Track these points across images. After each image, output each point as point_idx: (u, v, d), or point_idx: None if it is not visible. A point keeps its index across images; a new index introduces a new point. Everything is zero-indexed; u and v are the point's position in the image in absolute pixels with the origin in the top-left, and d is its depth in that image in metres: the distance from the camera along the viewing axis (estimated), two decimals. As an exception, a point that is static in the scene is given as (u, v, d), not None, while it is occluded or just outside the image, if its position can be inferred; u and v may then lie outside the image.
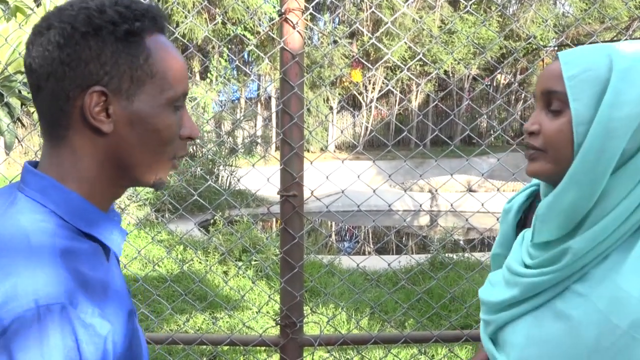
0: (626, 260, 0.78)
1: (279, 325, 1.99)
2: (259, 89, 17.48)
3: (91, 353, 0.66)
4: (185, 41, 2.84)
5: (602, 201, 0.80)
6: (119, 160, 0.78)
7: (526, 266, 0.89)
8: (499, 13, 13.54)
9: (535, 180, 1.11)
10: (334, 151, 16.07)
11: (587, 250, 0.80)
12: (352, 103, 17.86)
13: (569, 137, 0.82)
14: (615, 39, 11.22)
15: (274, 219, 9.07)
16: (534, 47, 13.40)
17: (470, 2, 2.21)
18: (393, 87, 15.71)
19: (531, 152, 0.88)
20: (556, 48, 11.63)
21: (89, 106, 0.73)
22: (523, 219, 1.15)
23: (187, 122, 0.82)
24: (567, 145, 0.82)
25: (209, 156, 9.50)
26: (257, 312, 3.96)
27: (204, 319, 4.04)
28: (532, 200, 1.14)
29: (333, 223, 9.95)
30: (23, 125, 3.67)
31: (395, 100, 16.80)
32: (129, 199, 6.95)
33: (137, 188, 6.98)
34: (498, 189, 2.52)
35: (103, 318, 0.69)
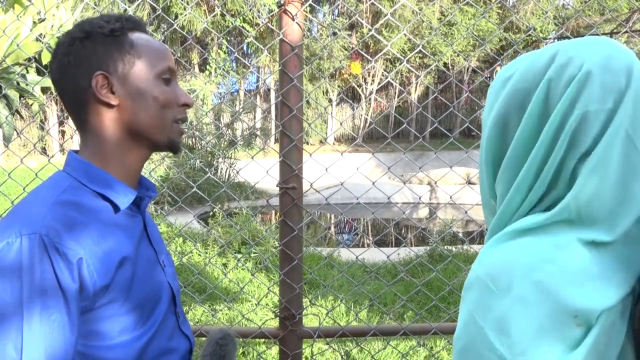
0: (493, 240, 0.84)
1: (278, 318, 1.99)
2: (258, 81, 17.43)
3: (65, 275, 0.84)
4: (184, 33, 2.83)
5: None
6: (130, 127, 0.99)
7: None
8: (499, 5, 13.48)
9: None
10: (333, 143, 16.06)
11: (492, 232, 0.87)
12: (351, 95, 17.83)
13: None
14: (615, 30, 11.18)
15: (273, 212, 9.08)
16: (534, 39, 13.35)
17: (470, -6, 2.20)
18: (392, 79, 15.69)
19: None
20: (556, 40, 11.59)
21: (96, 87, 0.95)
22: None
23: (180, 92, 1.04)
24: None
25: (208, 148, 9.48)
26: (256, 304, 3.96)
27: (204, 311, 4.05)
28: None
29: (332, 215, 9.96)
30: (21, 117, 3.66)
31: (395, 93, 16.77)
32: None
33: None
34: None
35: (77, 250, 0.86)
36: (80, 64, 0.96)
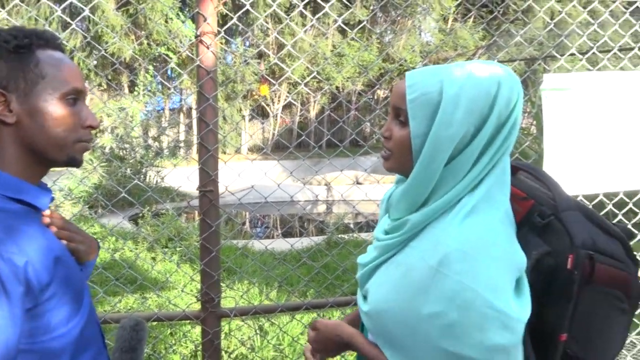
0: (442, 222, 0.86)
1: (200, 302, 1.94)
2: (181, 100, 16.90)
3: (10, 279, 0.74)
4: (112, 59, 2.69)
5: (437, 190, 0.87)
6: (31, 145, 0.85)
7: (385, 234, 0.96)
8: (378, 40, 13.96)
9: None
10: (247, 153, 15.87)
11: (422, 222, 0.88)
12: (261, 112, 17.72)
13: (409, 145, 0.88)
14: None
15: (195, 212, 8.84)
16: (405, 68, 13.94)
17: (354, 31, 2.25)
18: (294, 100, 15.78)
19: (384, 152, 0.94)
20: (422, 69, 12.16)
21: None
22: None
23: (86, 114, 0.89)
24: (407, 151, 0.88)
25: (137, 158, 9.08)
26: (181, 291, 3.83)
27: (135, 299, 3.86)
28: None
29: (246, 213, 9.84)
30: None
31: (297, 110, 16.86)
32: (64, 197, 6.49)
33: (71, 187, 6.54)
34: (378, 182, 2.60)
35: (21, 254, 0.76)
36: None
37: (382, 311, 0.89)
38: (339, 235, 5.98)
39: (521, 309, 0.80)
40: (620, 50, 2.31)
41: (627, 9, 2.31)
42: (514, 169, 1.04)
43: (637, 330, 2.72)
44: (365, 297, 0.98)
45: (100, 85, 11.67)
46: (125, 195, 2.15)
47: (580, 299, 0.83)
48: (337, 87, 14.81)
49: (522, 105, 0.88)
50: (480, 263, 0.80)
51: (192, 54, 1.87)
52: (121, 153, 10.27)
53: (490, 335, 0.78)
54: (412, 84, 0.87)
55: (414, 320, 0.83)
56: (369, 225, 8.00)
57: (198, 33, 1.76)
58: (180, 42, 11.71)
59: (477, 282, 0.78)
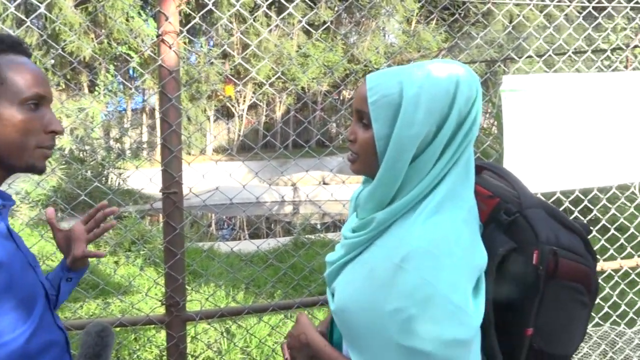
0: (407, 220, 0.87)
1: (164, 305, 1.90)
2: (143, 101, 16.54)
3: None
4: (71, 59, 2.58)
5: (403, 189, 0.89)
6: None
7: (353, 232, 0.97)
8: (343, 41, 14.04)
9: None
10: (212, 154, 15.69)
11: (388, 220, 0.89)
12: (226, 113, 17.54)
13: (373, 147, 0.89)
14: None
15: (159, 214, 8.67)
16: (370, 69, 14.07)
17: (318, 32, 2.26)
18: (259, 100, 15.69)
19: (350, 156, 0.95)
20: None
21: None
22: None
23: (48, 119, 0.88)
24: (372, 153, 0.90)
25: (99, 160, 8.84)
26: (145, 295, 3.75)
27: (97, 305, 3.76)
28: None
29: (213, 215, 9.73)
30: None
31: (262, 111, 16.78)
32: (20, 201, 6.26)
33: (28, 190, 6.31)
34: (344, 182, 2.61)
35: None
36: None
37: (348, 309, 0.90)
38: (306, 236, 5.98)
39: (477, 309, 0.82)
40: (574, 53, 2.40)
41: (580, 13, 2.40)
42: (479, 169, 1.06)
43: (593, 323, 2.83)
44: (333, 295, 0.99)
45: (58, 84, 11.30)
46: (86, 199, 2.09)
47: (545, 294, 0.85)
48: (302, 88, 14.83)
49: (482, 102, 0.90)
50: (442, 261, 0.81)
51: (154, 54, 1.84)
52: (81, 155, 9.98)
53: (448, 330, 0.79)
54: (372, 86, 0.88)
55: (377, 318, 0.84)
56: (335, 226, 8.04)
57: (160, 32, 1.73)
58: (142, 41, 11.48)
59: (438, 279, 0.80)
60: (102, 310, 3.68)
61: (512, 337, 0.89)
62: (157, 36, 1.75)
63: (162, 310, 1.96)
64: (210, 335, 3.29)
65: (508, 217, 0.90)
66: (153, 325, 2.15)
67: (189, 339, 2.95)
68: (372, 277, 0.87)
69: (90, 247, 5.15)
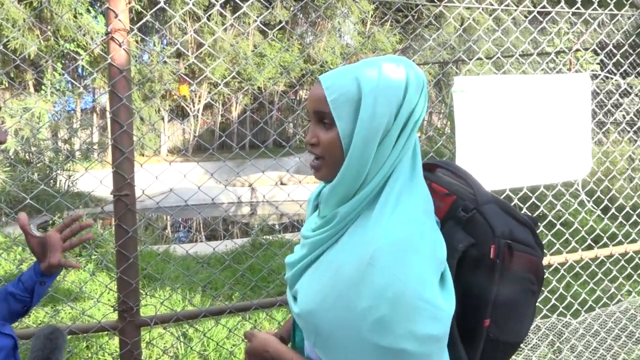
0: (371, 214, 0.88)
1: (117, 311, 1.84)
2: (93, 100, 15.99)
3: None
4: (14, 56, 2.45)
5: (366, 181, 0.90)
6: None
7: (313, 231, 0.96)
8: (299, 42, 14.04)
9: None
10: (167, 155, 15.36)
11: (349, 213, 0.89)
12: (180, 113, 17.21)
13: (339, 146, 0.89)
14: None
15: (112, 217, 8.41)
16: (326, 69, 14.14)
17: (273, 32, 2.25)
18: (215, 100, 15.48)
19: (314, 161, 0.94)
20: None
21: None
22: (319, 204, 1.21)
23: None
24: (339, 152, 0.89)
25: (46, 162, 8.48)
26: (97, 302, 3.63)
27: (45, 313, 3.61)
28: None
29: (168, 217, 9.53)
30: None
31: (219, 111, 16.57)
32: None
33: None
34: (300, 182, 2.61)
35: None
36: None
37: (314, 311, 0.88)
38: (264, 237, 5.94)
39: (447, 301, 0.84)
40: (521, 55, 2.49)
41: (526, 17, 2.50)
42: (432, 167, 1.09)
43: (541, 315, 2.95)
44: (295, 298, 0.97)
45: (1, 83, 10.77)
46: (32, 202, 2.00)
47: (501, 285, 0.89)
48: (258, 88, 14.73)
49: (427, 88, 0.94)
50: (410, 257, 0.82)
51: (104, 52, 1.79)
52: (27, 157, 9.55)
53: (421, 326, 0.80)
54: (329, 85, 0.89)
55: (347, 318, 0.83)
56: (293, 226, 8.03)
57: (109, 30, 1.68)
58: (92, 38, 11.09)
59: (407, 275, 0.80)
60: (51, 318, 3.53)
61: (471, 328, 0.91)
62: (107, 34, 1.70)
63: (114, 317, 1.90)
64: (167, 340, 3.22)
65: (466, 214, 0.93)
66: (106, 332, 2.08)
67: (143, 345, 2.88)
68: (340, 276, 0.86)
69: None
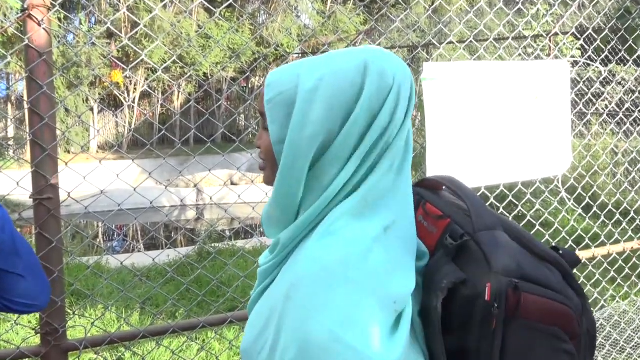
0: (310, 240, 0.79)
1: (39, 334, 1.79)
2: (8, 88, 15.43)
3: None
4: None
5: (305, 201, 0.82)
6: None
7: (265, 258, 0.92)
8: (250, 22, 13.96)
9: None
10: (97, 151, 15.00)
11: (291, 240, 0.82)
12: (113, 103, 16.82)
13: (273, 154, 0.84)
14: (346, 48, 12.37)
15: (32, 225, 8.15)
16: (281, 53, 14.12)
17: (220, 10, 2.23)
18: (153, 88, 15.21)
19: (261, 164, 0.90)
20: (300, 55, 12.43)
21: None
22: None
23: None
24: (275, 160, 0.84)
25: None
26: (15, 324, 3.51)
27: (-49, 339, 3.46)
28: None
29: (99, 224, 9.31)
30: None
31: (158, 101, 16.28)
32: None
33: None
34: (252, 181, 2.60)
35: None
36: None
37: (248, 350, 0.81)
38: (212, 244, 5.89)
39: (387, 351, 0.71)
40: (496, 40, 2.56)
41: (501, -3, 2.58)
42: (437, 185, 0.99)
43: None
44: None
45: None
46: None
47: (509, 339, 0.76)
48: (204, 74, 14.57)
49: (408, 89, 0.83)
50: (334, 289, 0.72)
51: (20, 32, 1.74)
52: None
53: None
54: (270, 82, 0.83)
55: None
56: (246, 232, 8.00)
57: (26, 6, 1.64)
58: (5, 15, 10.69)
59: (325, 311, 0.71)
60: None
61: None
62: (23, 10, 1.65)
63: (37, 341, 1.85)
64: (99, 366, 3.15)
65: (454, 242, 0.82)
66: (26, 359, 2.02)
67: (71, 373, 2.80)
68: (272, 311, 0.78)
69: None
